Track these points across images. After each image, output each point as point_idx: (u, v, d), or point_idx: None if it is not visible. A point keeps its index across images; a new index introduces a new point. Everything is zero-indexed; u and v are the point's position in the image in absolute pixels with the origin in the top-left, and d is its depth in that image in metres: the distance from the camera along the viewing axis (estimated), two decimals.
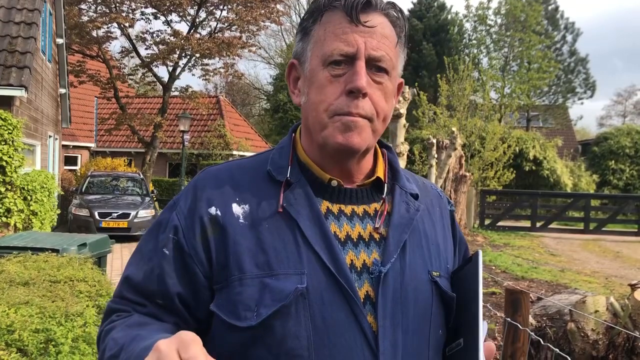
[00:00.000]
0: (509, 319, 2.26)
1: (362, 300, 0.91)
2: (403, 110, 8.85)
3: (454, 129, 15.70)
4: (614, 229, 17.62)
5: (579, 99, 31.98)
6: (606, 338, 3.23)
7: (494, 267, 10.58)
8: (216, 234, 0.93)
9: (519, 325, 2.21)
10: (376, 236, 0.97)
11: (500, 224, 17.80)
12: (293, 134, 1.05)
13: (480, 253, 1.00)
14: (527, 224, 17.97)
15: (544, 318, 3.52)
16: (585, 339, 3.27)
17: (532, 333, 2.93)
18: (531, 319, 3.57)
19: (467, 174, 16.14)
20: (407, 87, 9.15)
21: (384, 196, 1.01)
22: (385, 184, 1.03)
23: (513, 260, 11.48)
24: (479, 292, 0.93)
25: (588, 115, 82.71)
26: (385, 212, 1.00)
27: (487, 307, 4.35)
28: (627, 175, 25.45)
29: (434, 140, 14.13)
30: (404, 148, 8.99)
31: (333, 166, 0.99)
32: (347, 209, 0.98)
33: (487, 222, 17.87)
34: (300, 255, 0.90)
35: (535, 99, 30.26)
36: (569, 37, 32.01)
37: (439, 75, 21.77)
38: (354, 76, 0.92)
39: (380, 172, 1.03)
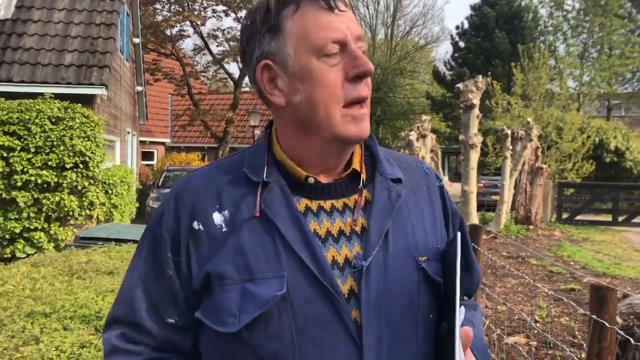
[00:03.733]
0: (594, 316, 2.15)
1: (346, 295, 0.91)
2: (476, 101, 8.63)
3: (529, 119, 15.13)
4: None
5: None
6: None
7: (572, 263, 10.15)
8: (198, 247, 0.94)
9: (605, 323, 2.10)
10: (357, 229, 0.96)
11: (578, 217, 17.05)
12: (268, 132, 1.04)
13: (459, 235, 0.97)
14: (608, 218, 17.12)
15: (631, 317, 3.34)
16: None
17: (621, 332, 2.79)
18: (617, 317, 3.39)
19: (544, 166, 15.53)
20: (480, 76, 8.90)
21: (360, 187, 0.99)
22: (363, 173, 1.01)
23: (593, 256, 10.97)
24: (456, 277, 0.91)
25: None
26: (363, 203, 0.98)
27: (569, 303, 4.18)
28: None
29: (509, 131, 13.68)
30: (477, 139, 8.77)
31: (317, 162, 0.98)
32: (327, 205, 0.97)
33: (564, 215, 17.17)
34: (279, 257, 0.90)
35: (617, 87, 28.71)
36: None
37: (512, 64, 21.07)
38: (357, 60, 0.92)
39: (357, 162, 1.01)
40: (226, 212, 0.94)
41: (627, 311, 3.44)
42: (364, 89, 0.93)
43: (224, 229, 0.94)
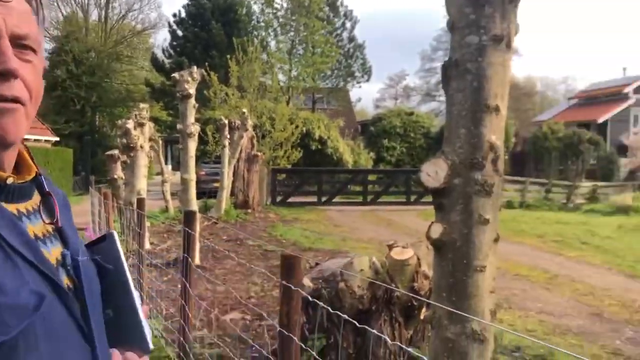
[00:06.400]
0: (284, 282, 2.53)
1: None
2: (192, 91, 8.86)
3: (244, 110, 16.09)
4: (387, 200, 19.69)
5: (358, 82, 34.98)
6: (370, 292, 3.76)
7: (284, 241, 11.23)
8: None
9: (292, 286, 2.50)
10: (50, 229, 0.92)
11: (290, 200, 18.78)
12: None
13: (115, 233, 1.07)
14: (314, 199, 19.23)
15: (320, 280, 3.95)
16: (352, 295, 3.76)
17: (309, 295, 3.30)
18: (309, 282, 3.98)
19: (259, 153, 16.73)
20: (195, 67, 9.15)
21: (47, 189, 0.94)
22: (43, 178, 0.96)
23: (301, 233, 12.29)
24: (125, 267, 1.04)
25: (366, 97, 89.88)
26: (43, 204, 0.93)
27: (271, 276, 4.69)
28: (398, 152, 28.42)
29: (226, 121, 14.34)
30: (195, 129, 9.03)
31: None
32: (22, 207, 0.88)
33: (278, 199, 18.74)
34: (17, 266, 0.78)
35: (319, 82, 32.14)
36: (348, 24, 34.65)
37: (229, 56, 21.98)
38: (1, 57, 0.80)
39: (32, 164, 0.94)
40: None
41: (318, 276, 4.05)
42: (8, 87, 0.81)
43: None
